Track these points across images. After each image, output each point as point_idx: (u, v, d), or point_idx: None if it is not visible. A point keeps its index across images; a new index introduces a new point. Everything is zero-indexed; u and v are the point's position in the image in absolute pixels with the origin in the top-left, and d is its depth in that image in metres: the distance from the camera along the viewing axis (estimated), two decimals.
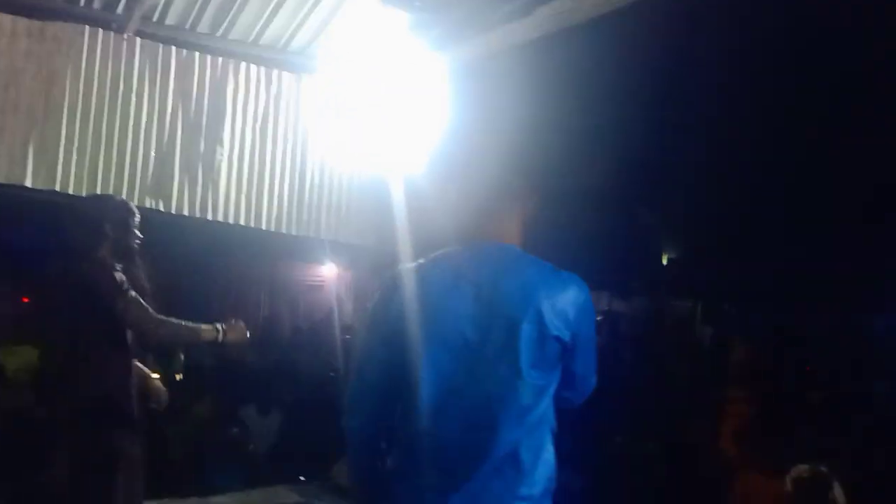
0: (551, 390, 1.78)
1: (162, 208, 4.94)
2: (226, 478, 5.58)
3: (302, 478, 5.22)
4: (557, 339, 1.75)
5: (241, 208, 5.22)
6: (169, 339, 3.31)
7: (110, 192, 4.73)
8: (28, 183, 4.51)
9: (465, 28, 4.74)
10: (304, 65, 5.44)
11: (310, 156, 5.50)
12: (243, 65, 5.22)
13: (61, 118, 4.60)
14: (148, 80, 4.89)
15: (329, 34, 5.21)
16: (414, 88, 5.21)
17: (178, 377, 4.13)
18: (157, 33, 4.92)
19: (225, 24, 5.04)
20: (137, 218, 3.49)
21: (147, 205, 4.88)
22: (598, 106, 5.60)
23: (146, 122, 4.89)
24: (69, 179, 4.63)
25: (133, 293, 3.12)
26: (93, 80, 4.71)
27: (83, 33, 4.67)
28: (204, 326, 3.21)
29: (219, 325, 3.18)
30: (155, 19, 4.91)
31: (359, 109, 5.31)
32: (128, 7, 4.68)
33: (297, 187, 5.46)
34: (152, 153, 4.91)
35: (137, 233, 3.46)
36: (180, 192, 5.00)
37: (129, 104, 4.82)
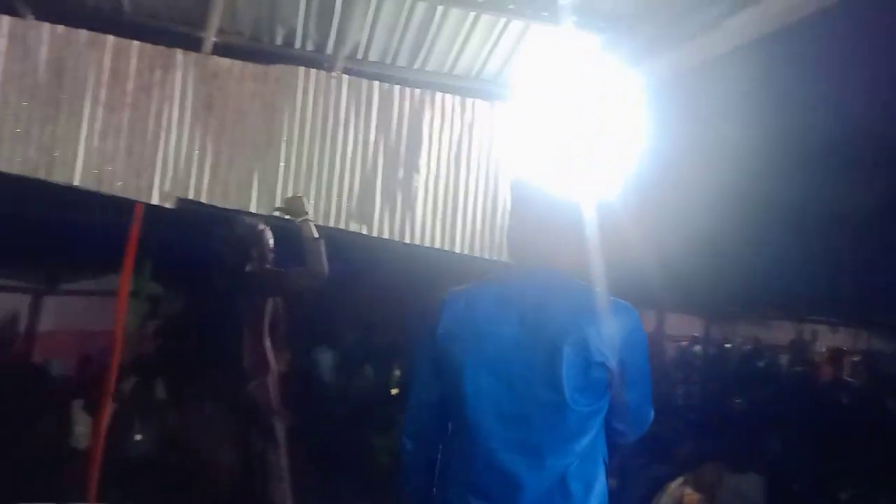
0: (600, 419, 1.73)
1: (365, 231, 5.24)
2: None
3: None
4: (603, 365, 1.71)
5: (436, 232, 5.42)
6: None
7: (320, 216, 5.13)
8: (253, 208, 4.99)
9: (658, 43, 4.64)
10: (496, 92, 5.59)
11: (502, 181, 5.61)
12: (439, 95, 5.46)
13: (279, 150, 5.07)
14: (354, 114, 5.27)
15: (519, 60, 5.32)
16: (607, 108, 5.17)
17: (394, 392, 4.34)
18: (361, 69, 5.31)
19: (421, 57, 5.33)
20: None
21: (352, 228, 5.22)
22: (811, 115, 5.17)
23: (351, 152, 5.25)
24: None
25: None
26: (306, 115, 5.16)
27: (298, 74, 5.14)
28: None
29: None
30: (359, 56, 5.31)
31: (551, 133, 5.35)
32: (335, 47, 5.11)
33: (489, 212, 5.57)
34: (357, 181, 5.25)
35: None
36: (381, 216, 5.30)
37: (336, 136, 5.21)
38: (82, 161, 4.73)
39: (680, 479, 4.92)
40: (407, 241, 5.35)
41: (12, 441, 5.44)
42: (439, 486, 1.83)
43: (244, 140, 5.04)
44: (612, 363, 1.74)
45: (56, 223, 5.89)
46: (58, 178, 4.69)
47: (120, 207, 4.84)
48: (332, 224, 5.16)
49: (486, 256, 5.54)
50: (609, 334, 1.76)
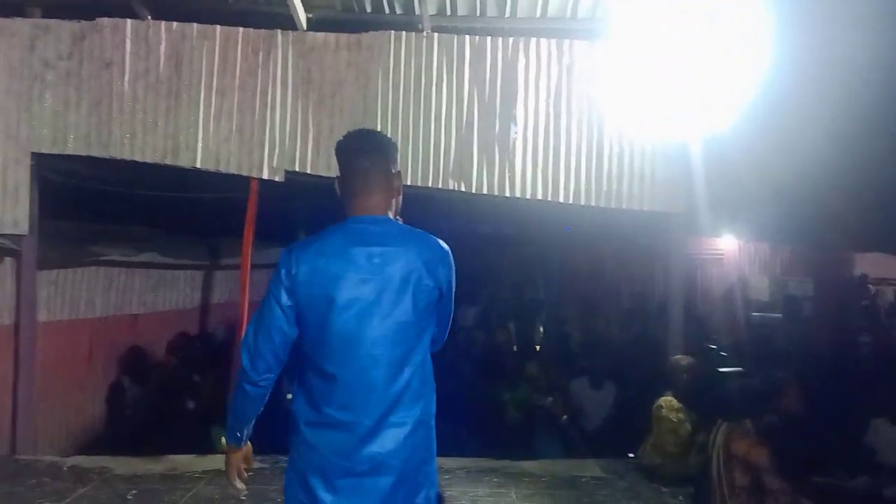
0: (430, 331, 2.17)
1: (463, 189, 5.30)
2: (543, 444, 5.76)
3: (631, 454, 5.06)
4: (436, 288, 2.11)
5: (537, 184, 5.34)
6: None
7: (419, 178, 5.27)
8: None
9: None
10: (595, 31, 5.35)
11: (607, 125, 5.38)
12: (533, 41, 5.34)
13: (375, 117, 5.25)
14: (446, 71, 5.31)
15: None
16: (719, 31, 4.76)
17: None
18: (450, 26, 5.32)
19: (510, 4, 5.22)
20: None
21: (450, 187, 5.30)
22: None
23: (446, 110, 5.31)
24: None
25: None
26: (399, 79, 5.29)
27: (389, 38, 5.28)
28: None
29: None
30: (448, 13, 5.32)
31: (658, 66, 5.03)
32: (422, 6, 5.15)
33: (594, 158, 5.39)
34: (453, 139, 5.31)
35: None
36: (479, 172, 5.32)
37: (430, 96, 5.29)
38: (202, 144, 5.23)
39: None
40: (507, 195, 5.33)
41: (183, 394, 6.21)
42: (305, 412, 2.12)
43: (342, 110, 5.28)
44: (442, 285, 2.13)
45: (210, 202, 6.52)
46: (182, 162, 5.22)
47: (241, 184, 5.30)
48: (430, 185, 5.27)
49: (594, 204, 5.38)
50: (434, 263, 2.12)
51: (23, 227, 5.24)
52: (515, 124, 5.34)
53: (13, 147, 5.23)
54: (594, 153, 5.39)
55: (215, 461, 4.83)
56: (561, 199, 5.37)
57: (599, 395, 6.14)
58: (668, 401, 4.65)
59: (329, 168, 5.26)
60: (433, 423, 2.16)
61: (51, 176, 5.40)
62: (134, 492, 4.25)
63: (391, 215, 2.20)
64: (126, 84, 5.25)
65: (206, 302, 8.03)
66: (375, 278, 2.07)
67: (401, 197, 2.26)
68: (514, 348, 7.51)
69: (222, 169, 5.26)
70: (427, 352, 2.15)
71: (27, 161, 5.24)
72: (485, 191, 5.33)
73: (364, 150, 2.17)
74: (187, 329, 7.25)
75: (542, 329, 8.78)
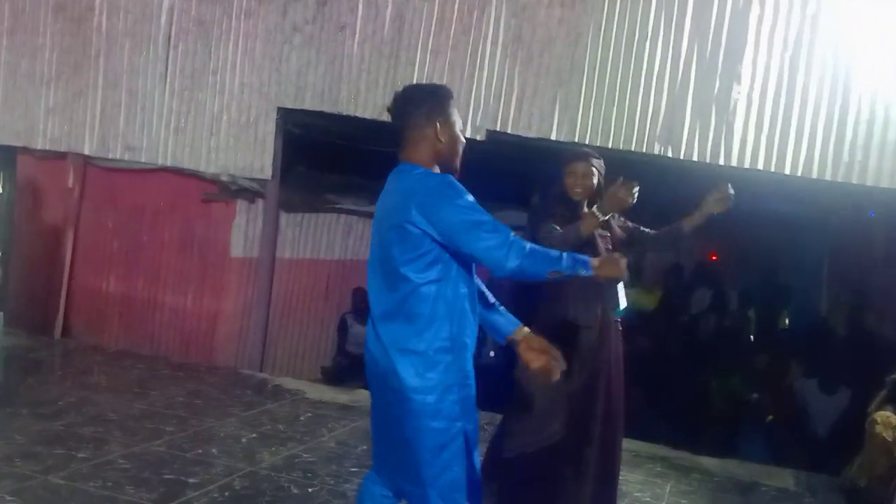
0: (423, 265, 2.13)
1: (671, 154, 4.90)
2: (746, 443, 5.21)
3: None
4: (422, 232, 2.10)
5: (759, 152, 4.76)
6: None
7: (621, 141, 4.99)
8: (553, 136, 5.13)
9: None
10: None
11: (855, 85, 4.58)
12: None
13: (582, 76, 5.07)
14: (663, 24, 4.93)
15: None
16: None
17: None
18: None
19: None
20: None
21: (656, 152, 4.93)
22: None
23: (658, 69, 4.94)
24: (587, 132, 5.06)
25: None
26: (610, 34, 5.03)
27: None
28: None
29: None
30: None
31: None
32: None
33: (835, 124, 4.63)
34: (663, 100, 4.92)
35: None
36: (690, 137, 4.87)
37: (642, 53, 4.96)
38: None
39: None
40: (721, 163, 4.80)
41: None
42: None
43: (549, 69, 5.18)
44: (427, 226, 2.09)
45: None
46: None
47: None
48: (633, 148, 4.96)
49: (828, 178, 4.63)
50: (419, 202, 2.10)
51: (268, 173, 5.99)
52: (739, 83, 4.78)
53: (264, 102, 5.98)
54: (835, 118, 4.63)
55: None
56: (787, 171, 4.72)
57: (830, 401, 5.33)
58: (885, 416, 3.90)
59: (530, 128, 5.22)
60: (441, 356, 2.14)
61: (293, 129, 6.07)
62: (308, 414, 4.72)
63: (432, 164, 2.22)
64: (356, 45, 5.68)
65: None
66: (376, 224, 2.25)
67: (448, 145, 2.23)
68: (751, 337, 6.80)
69: None
70: (422, 284, 2.14)
71: (273, 115, 5.96)
72: (695, 157, 4.88)
73: (394, 108, 2.27)
74: None
75: (786, 320, 7.81)
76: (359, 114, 5.68)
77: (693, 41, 4.87)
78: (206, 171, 6.17)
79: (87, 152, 6.53)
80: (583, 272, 2.17)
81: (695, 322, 6.93)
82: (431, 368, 2.13)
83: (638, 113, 4.97)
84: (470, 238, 2.08)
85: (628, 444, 4.68)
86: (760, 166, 4.75)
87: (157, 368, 5.58)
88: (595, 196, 3.13)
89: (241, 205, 6.33)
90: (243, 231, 6.37)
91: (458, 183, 2.15)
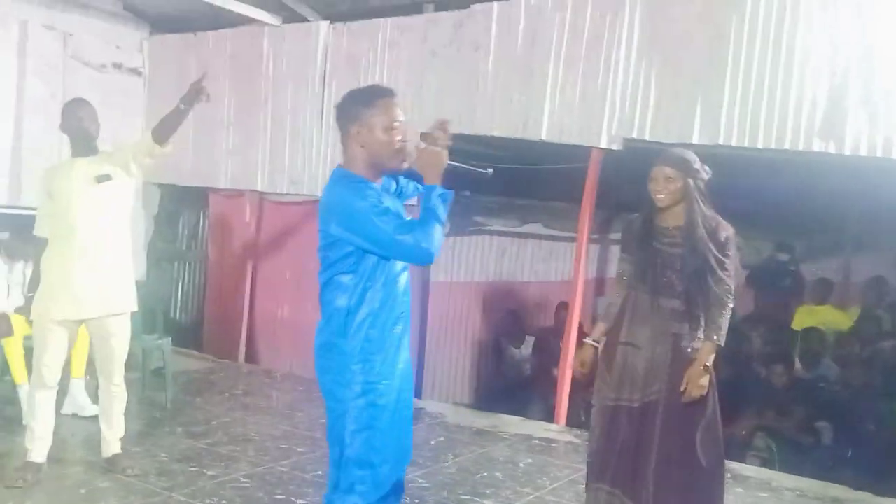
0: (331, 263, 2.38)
1: (833, 150, 4.32)
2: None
3: None
4: (328, 233, 2.35)
5: None
6: None
7: (773, 140, 4.49)
8: (694, 140, 4.74)
9: None
10: None
11: None
12: None
13: (724, 72, 4.66)
14: (817, 7, 4.38)
15: None
16: None
17: None
18: None
19: None
20: None
21: (815, 148, 4.38)
22: None
23: (815, 56, 4.38)
24: (732, 132, 4.62)
25: None
26: (757, 23, 4.58)
27: None
28: None
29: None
30: None
31: None
32: None
33: None
34: (822, 91, 4.36)
35: None
36: (856, 130, 4.26)
37: (794, 40, 4.46)
38: (547, 116, 5.35)
39: None
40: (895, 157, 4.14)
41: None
42: None
43: (688, 68, 4.83)
44: (333, 228, 2.32)
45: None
46: (530, 135, 5.43)
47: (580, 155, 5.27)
48: (788, 146, 4.43)
49: None
50: (336, 213, 2.32)
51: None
52: None
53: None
54: None
55: (528, 428, 5.01)
56: None
57: None
58: None
59: (669, 133, 4.86)
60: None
61: None
62: (441, 438, 4.78)
63: (363, 167, 2.38)
64: (490, 64, 5.66)
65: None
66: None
67: (370, 147, 2.37)
68: None
69: (565, 140, 5.31)
70: (330, 283, 2.38)
71: (417, 140, 6.08)
72: (863, 152, 4.23)
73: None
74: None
75: None
76: (495, 133, 5.64)
77: (856, 21, 4.27)
78: None
79: (259, 189, 7.12)
80: (440, 202, 2.31)
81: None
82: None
83: (791, 107, 4.44)
84: (386, 244, 2.25)
85: (792, 481, 4.21)
86: None
87: (313, 391, 5.87)
88: (682, 201, 3.02)
89: None
90: None
91: (365, 187, 2.29)
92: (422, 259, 2.28)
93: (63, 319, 3.52)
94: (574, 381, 5.12)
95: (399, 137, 2.38)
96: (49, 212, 3.60)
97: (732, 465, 4.56)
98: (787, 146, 4.44)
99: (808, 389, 5.49)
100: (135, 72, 7.70)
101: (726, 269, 2.99)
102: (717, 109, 4.67)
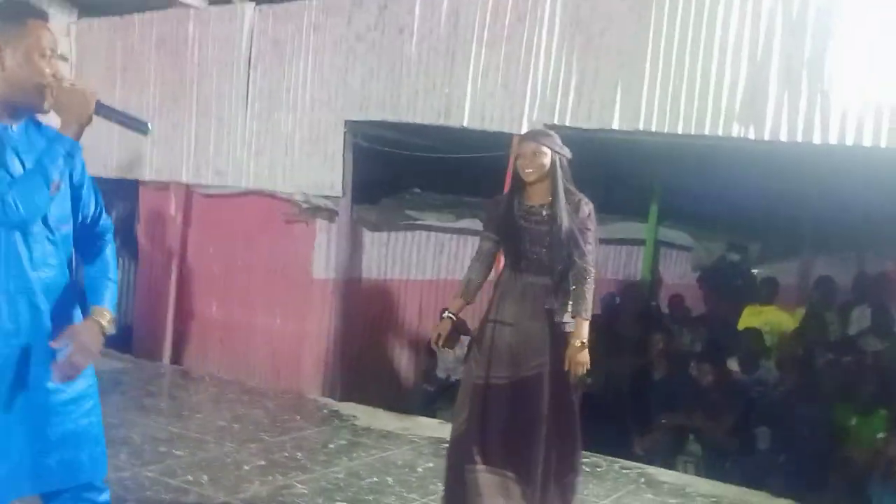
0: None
1: (752, 136, 4.12)
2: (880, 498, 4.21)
3: None
4: None
5: (864, 123, 3.82)
6: None
7: (692, 124, 4.30)
8: (615, 125, 4.54)
9: None
10: None
11: None
12: None
13: (646, 53, 4.46)
14: None
15: None
16: None
17: None
18: None
19: None
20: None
21: (735, 133, 4.18)
22: None
23: (735, 35, 4.18)
24: (652, 117, 4.43)
25: None
26: (677, 8, 4.35)
27: None
28: None
29: None
30: None
31: None
32: None
33: None
34: (742, 72, 4.15)
35: None
36: (776, 113, 4.06)
37: (714, 19, 4.23)
38: (469, 103, 5.14)
39: None
40: (817, 141, 3.94)
41: None
42: None
43: (610, 50, 4.62)
44: None
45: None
46: (453, 122, 5.22)
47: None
48: (708, 132, 4.23)
49: None
50: None
51: (338, 190, 5.90)
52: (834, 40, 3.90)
53: (332, 116, 5.91)
54: None
55: (443, 431, 4.77)
56: None
57: None
58: None
59: (590, 119, 4.67)
60: None
61: (361, 142, 5.94)
62: (342, 442, 4.53)
63: None
64: (413, 47, 5.45)
65: None
66: None
67: (7, 73, 1.94)
68: None
69: (486, 127, 5.10)
70: None
71: (342, 129, 5.86)
72: (783, 137, 4.03)
73: None
74: None
75: None
76: (417, 120, 5.42)
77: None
78: (283, 192, 6.22)
79: (184, 180, 6.86)
80: (63, 157, 1.93)
81: (845, 348, 5.79)
82: None
83: (712, 90, 4.23)
84: None
85: (713, 489, 4.01)
86: (868, 143, 3.82)
87: (227, 393, 5.63)
88: (547, 177, 3.11)
89: (320, 224, 6.28)
90: (325, 251, 6.31)
91: None
92: (8, 222, 1.89)
93: None
94: None
95: (49, 70, 1.96)
96: None
97: (648, 470, 4.37)
98: (707, 131, 4.24)
99: (741, 392, 5.27)
100: (61, 57, 7.44)
101: (589, 243, 3.14)
102: (638, 93, 4.47)
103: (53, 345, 2.00)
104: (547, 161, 3.08)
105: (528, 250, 3.13)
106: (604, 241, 7.17)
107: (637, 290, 7.61)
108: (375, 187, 6.42)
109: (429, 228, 6.79)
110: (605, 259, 7.63)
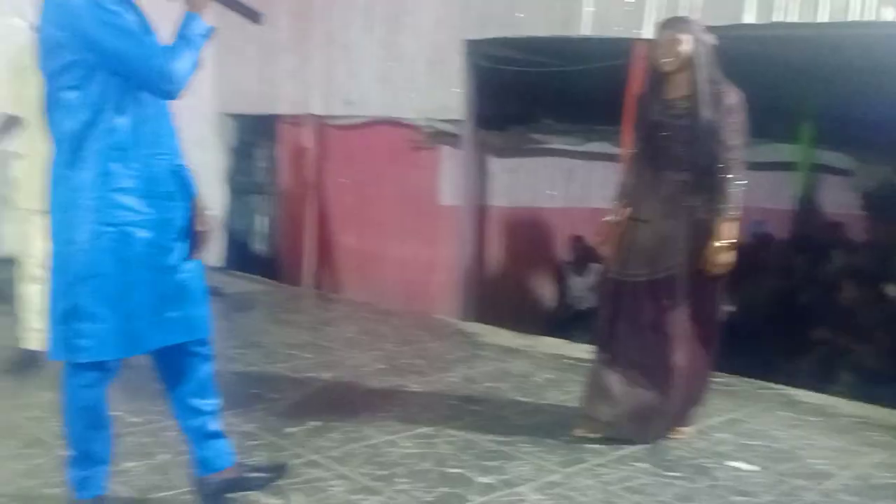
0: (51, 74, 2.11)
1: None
2: None
3: None
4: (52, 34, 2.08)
5: None
6: None
7: (839, 10, 3.91)
8: (747, 19, 4.22)
9: None
10: None
11: None
12: None
13: None
14: None
15: None
16: None
17: None
18: None
19: None
20: None
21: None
22: None
23: None
24: (788, 5, 4.05)
25: None
26: None
27: None
28: None
29: None
30: None
31: None
32: None
33: None
34: None
35: None
36: None
37: None
38: (591, 7, 4.94)
39: None
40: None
41: None
42: None
43: None
44: (58, 30, 2.04)
45: None
46: (572, 31, 5.04)
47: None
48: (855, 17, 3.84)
49: None
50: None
51: (460, 113, 5.90)
52: None
53: (452, 36, 5.87)
54: None
55: (565, 349, 4.74)
56: None
57: None
58: None
59: (717, 15, 4.32)
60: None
61: (482, 63, 5.86)
62: (462, 353, 4.60)
63: None
64: None
65: None
66: None
67: None
68: None
69: (608, 34, 4.88)
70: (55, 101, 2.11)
71: (461, 50, 5.81)
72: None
73: None
74: None
75: None
76: (537, 33, 5.28)
77: None
78: (408, 118, 6.29)
79: (316, 112, 7.10)
80: (201, 34, 2.12)
81: None
82: None
83: None
84: (125, 59, 2.04)
85: (857, 410, 3.76)
86: None
87: (358, 313, 5.84)
88: (687, 67, 2.95)
89: (445, 151, 6.32)
90: (450, 178, 6.35)
91: None
92: (164, 84, 2.04)
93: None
94: None
95: None
96: None
97: (788, 391, 4.14)
98: (854, 17, 3.83)
99: None
100: None
101: (735, 137, 2.95)
102: None
103: (198, 228, 2.25)
104: (686, 49, 2.92)
105: (667, 146, 3.01)
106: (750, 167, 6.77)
107: (790, 216, 7.15)
108: (501, 113, 6.36)
109: (557, 153, 6.66)
110: (751, 185, 7.17)
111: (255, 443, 2.95)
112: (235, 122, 8.09)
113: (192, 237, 2.25)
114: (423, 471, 2.79)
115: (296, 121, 7.44)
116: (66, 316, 2.08)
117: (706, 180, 2.98)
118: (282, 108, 7.42)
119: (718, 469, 2.97)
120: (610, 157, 6.55)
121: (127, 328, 2.11)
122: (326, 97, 6.97)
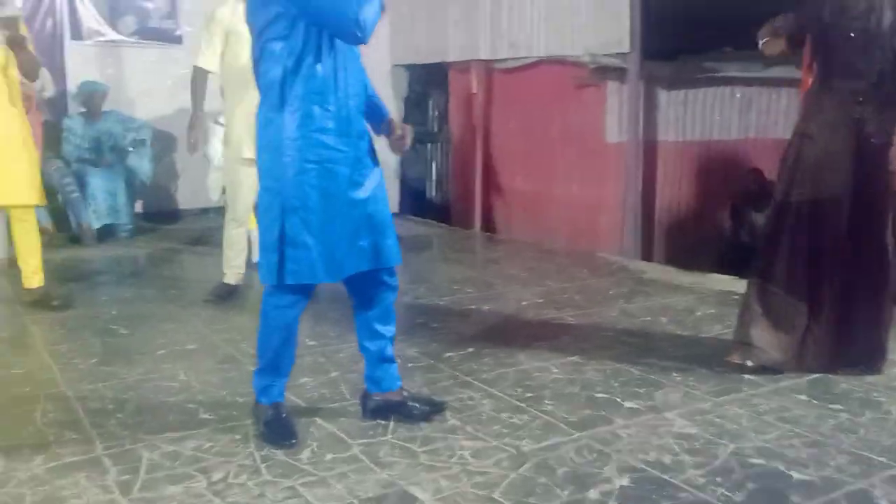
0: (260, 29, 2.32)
1: None
2: None
3: None
4: None
5: None
6: None
7: None
8: None
9: None
10: None
11: None
12: None
13: None
14: None
15: None
16: None
17: None
18: None
19: None
20: None
21: None
22: None
23: None
24: None
25: None
26: None
27: None
28: None
29: None
30: None
31: None
32: None
33: None
34: None
35: None
36: None
37: None
38: None
39: None
40: None
41: None
42: None
43: None
44: None
45: None
46: None
47: None
48: None
49: None
50: None
51: (625, 45, 5.76)
52: None
53: None
54: None
55: (733, 286, 4.58)
56: None
57: None
58: None
59: None
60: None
61: None
62: (623, 289, 4.61)
63: None
64: None
65: None
66: None
67: None
68: None
69: None
70: (263, 53, 2.31)
71: None
72: None
73: None
74: None
75: None
76: None
77: None
78: (572, 56, 6.23)
79: (482, 57, 7.20)
80: None
81: None
82: None
83: None
84: (317, 5, 2.19)
85: None
86: None
87: (521, 252, 5.98)
88: None
89: (611, 86, 6.20)
90: (617, 114, 6.24)
91: None
92: (356, 31, 2.15)
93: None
94: None
95: None
96: None
97: None
98: None
99: None
100: None
101: None
102: None
103: (396, 130, 2.53)
104: None
105: (839, 52, 2.83)
106: None
107: None
108: (670, 42, 6.09)
109: (733, 82, 6.31)
110: None
111: (416, 365, 3.20)
112: (408, 73, 8.40)
113: (396, 140, 2.53)
114: (571, 394, 2.89)
115: (464, 67, 7.59)
116: (276, 244, 2.30)
117: (881, 90, 2.78)
118: (450, 56, 7.59)
119: (891, 403, 2.81)
120: (793, 83, 6.10)
121: (328, 255, 2.32)
122: (493, 41, 7.04)
